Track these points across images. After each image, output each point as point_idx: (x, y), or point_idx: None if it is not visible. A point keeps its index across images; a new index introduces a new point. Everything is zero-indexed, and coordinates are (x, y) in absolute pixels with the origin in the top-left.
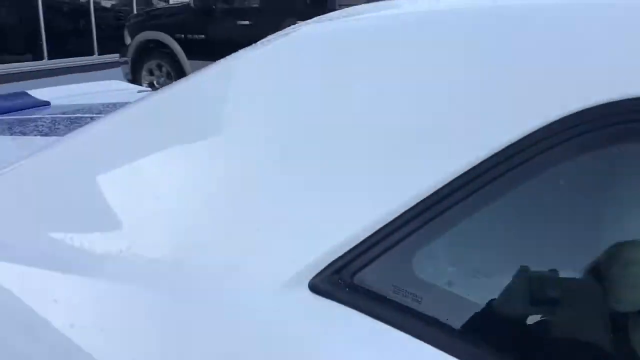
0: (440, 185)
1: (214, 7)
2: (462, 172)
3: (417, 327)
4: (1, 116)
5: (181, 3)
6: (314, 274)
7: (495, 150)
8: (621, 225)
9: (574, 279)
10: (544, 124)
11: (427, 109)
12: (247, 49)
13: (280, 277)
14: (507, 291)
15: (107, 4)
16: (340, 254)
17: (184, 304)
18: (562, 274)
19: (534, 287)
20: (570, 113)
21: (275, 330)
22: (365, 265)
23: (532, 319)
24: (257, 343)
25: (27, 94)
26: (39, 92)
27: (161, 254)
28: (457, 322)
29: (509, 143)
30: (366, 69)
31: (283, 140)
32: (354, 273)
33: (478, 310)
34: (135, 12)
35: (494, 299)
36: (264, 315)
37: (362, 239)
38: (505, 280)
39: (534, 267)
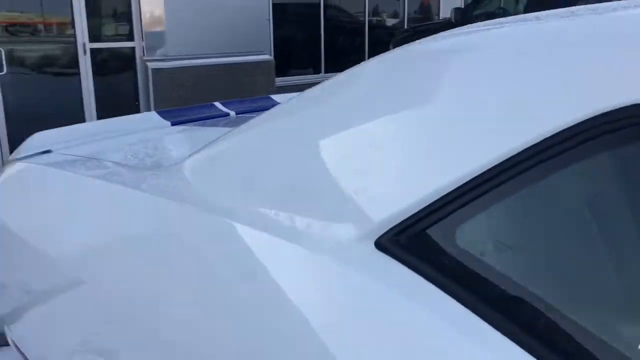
0: (495, 164)
1: (474, 21)
2: (510, 155)
3: (459, 294)
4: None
5: (444, 19)
6: (380, 234)
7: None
8: None
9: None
10: (575, 122)
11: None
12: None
13: (356, 233)
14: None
15: (381, 22)
16: (404, 217)
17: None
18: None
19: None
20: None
21: (341, 278)
22: (425, 229)
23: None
24: (325, 288)
25: (214, 105)
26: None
27: None
28: (503, 296)
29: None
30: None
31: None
32: (415, 235)
33: (527, 286)
34: (405, 28)
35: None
36: (338, 265)
37: (422, 206)
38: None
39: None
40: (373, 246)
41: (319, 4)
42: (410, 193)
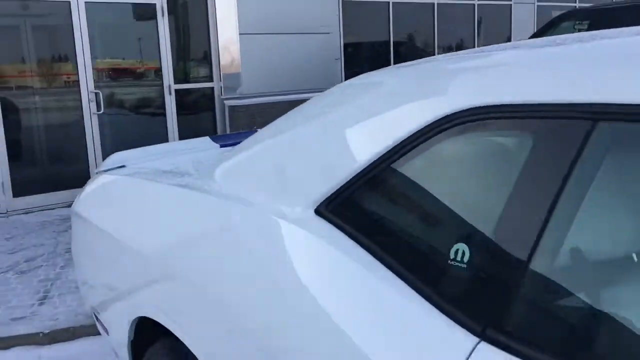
0: (376, 158)
1: None
2: (384, 152)
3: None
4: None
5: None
6: (317, 205)
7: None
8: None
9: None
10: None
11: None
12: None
13: (304, 205)
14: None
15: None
16: (330, 194)
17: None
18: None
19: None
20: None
21: (293, 233)
22: (343, 201)
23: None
24: (283, 240)
25: (256, 131)
26: None
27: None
28: (397, 247)
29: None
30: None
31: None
32: (337, 205)
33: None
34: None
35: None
36: (292, 225)
37: (339, 186)
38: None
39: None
40: (313, 213)
41: (389, 42)
42: (331, 177)
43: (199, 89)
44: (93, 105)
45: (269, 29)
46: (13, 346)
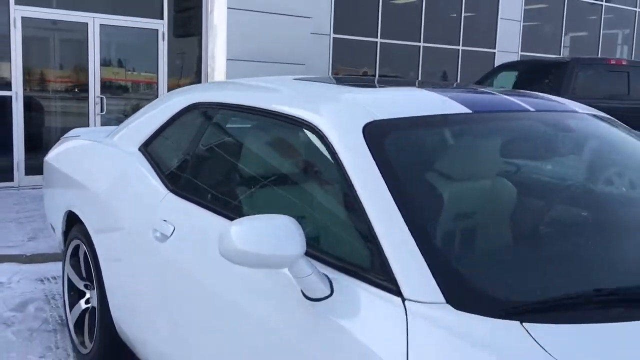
0: (159, 125)
1: None
2: (172, 115)
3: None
4: None
5: None
6: (139, 146)
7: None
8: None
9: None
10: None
11: None
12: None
13: (136, 145)
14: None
15: None
16: (143, 141)
17: None
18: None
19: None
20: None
21: (127, 160)
22: (147, 144)
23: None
24: (119, 164)
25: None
26: None
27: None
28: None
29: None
30: None
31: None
32: (143, 147)
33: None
34: None
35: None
36: (129, 156)
37: (151, 131)
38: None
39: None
40: (137, 150)
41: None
42: (144, 134)
43: None
44: (97, 108)
45: (255, 57)
46: (3, 262)
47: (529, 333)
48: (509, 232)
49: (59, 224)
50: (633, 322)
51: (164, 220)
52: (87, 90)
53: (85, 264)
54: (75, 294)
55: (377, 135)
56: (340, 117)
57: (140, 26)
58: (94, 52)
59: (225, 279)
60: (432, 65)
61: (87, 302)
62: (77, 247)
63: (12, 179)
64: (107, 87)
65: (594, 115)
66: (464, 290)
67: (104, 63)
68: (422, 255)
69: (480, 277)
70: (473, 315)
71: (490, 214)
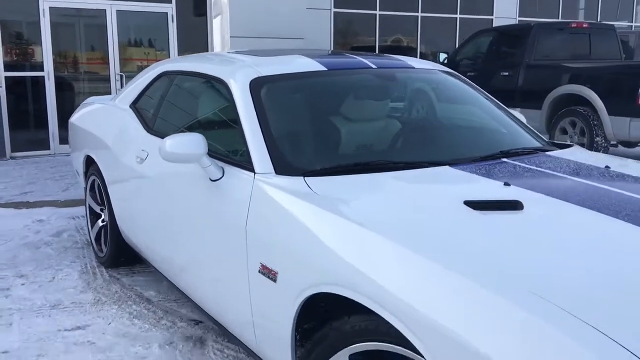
0: (141, 89)
1: None
2: (151, 80)
3: None
4: None
5: None
6: (129, 103)
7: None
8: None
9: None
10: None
11: None
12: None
13: (128, 104)
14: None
15: None
16: (133, 99)
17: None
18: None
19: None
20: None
21: (118, 113)
22: (134, 102)
23: None
24: (116, 117)
25: None
26: None
27: None
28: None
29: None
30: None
31: None
32: (132, 104)
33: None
34: None
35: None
36: (120, 112)
37: (138, 93)
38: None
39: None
40: (129, 107)
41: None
42: (134, 95)
43: None
44: (117, 84)
45: (256, 34)
46: (44, 206)
47: (306, 182)
48: (316, 136)
49: (80, 167)
50: (369, 174)
51: (142, 150)
52: (108, 69)
53: (99, 193)
54: (94, 217)
55: (258, 85)
56: (237, 74)
57: (152, 10)
58: (113, 35)
59: (171, 176)
60: (430, 34)
61: (102, 221)
62: (93, 182)
63: (48, 148)
64: (125, 65)
65: (426, 69)
66: (282, 166)
67: (122, 44)
68: (268, 151)
69: (291, 159)
70: (284, 176)
71: (306, 129)
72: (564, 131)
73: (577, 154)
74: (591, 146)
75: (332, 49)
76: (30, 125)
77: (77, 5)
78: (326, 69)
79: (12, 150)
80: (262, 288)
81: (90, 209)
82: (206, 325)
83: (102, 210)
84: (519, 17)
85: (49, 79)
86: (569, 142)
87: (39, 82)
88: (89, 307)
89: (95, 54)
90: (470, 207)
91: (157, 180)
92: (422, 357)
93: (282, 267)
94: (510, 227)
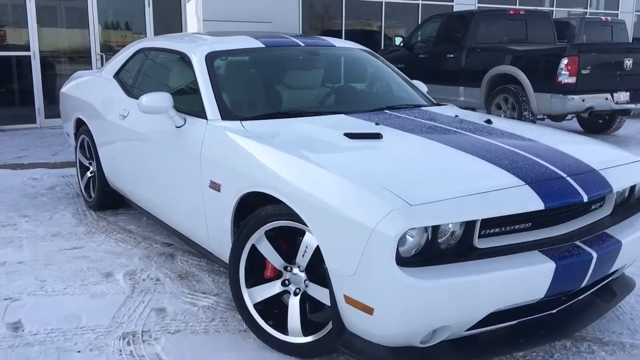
0: (127, 58)
1: None
2: (130, 55)
3: None
4: None
5: None
6: (114, 73)
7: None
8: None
9: None
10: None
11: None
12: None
13: (111, 74)
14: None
15: None
16: (116, 70)
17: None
18: None
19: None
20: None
21: (111, 83)
22: (117, 73)
23: None
24: (101, 86)
25: None
26: None
27: None
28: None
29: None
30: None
31: None
32: (117, 74)
33: None
34: None
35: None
36: (105, 81)
37: (120, 66)
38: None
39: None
40: (112, 77)
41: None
42: (117, 67)
43: None
44: (98, 63)
45: (226, 17)
46: (37, 167)
47: (242, 124)
48: (251, 94)
49: (71, 129)
50: (286, 119)
51: (124, 109)
52: (89, 50)
53: (88, 149)
54: (83, 170)
55: (212, 57)
56: (197, 50)
57: None
58: (93, 17)
59: (147, 127)
60: (394, 19)
61: (91, 172)
62: (83, 140)
63: (35, 121)
64: (105, 46)
65: (345, 47)
66: (226, 114)
67: (102, 26)
68: (217, 104)
69: (232, 109)
70: (227, 120)
71: (252, 85)
72: (499, 106)
73: (444, 109)
74: (520, 119)
75: (300, 32)
76: (17, 101)
77: None
78: (264, 46)
79: (1, 124)
80: (211, 198)
81: (80, 163)
82: (176, 246)
83: (90, 163)
84: (478, 3)
85: (35, 58)
86: (449, 104)
87: (26, 61)
88: (82, 236)
89: (77, 35)
90: (347, 137)
91: (136, 132)
92: (306, 225)
93: (224, 180)
94: (371, 148)
